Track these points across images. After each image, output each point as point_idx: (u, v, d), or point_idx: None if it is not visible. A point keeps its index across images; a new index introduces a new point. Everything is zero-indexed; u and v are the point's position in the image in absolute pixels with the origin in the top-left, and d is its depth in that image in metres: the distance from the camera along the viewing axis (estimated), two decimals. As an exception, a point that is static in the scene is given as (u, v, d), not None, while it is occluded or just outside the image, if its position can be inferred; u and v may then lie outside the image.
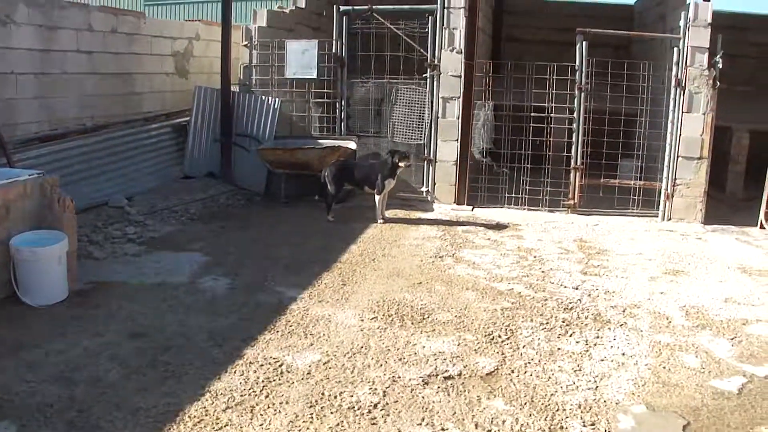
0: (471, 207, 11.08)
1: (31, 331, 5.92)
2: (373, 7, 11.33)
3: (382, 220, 10.00)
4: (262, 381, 5.07)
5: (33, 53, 10.40)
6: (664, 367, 5.49)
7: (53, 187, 7.07)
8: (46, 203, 7.01)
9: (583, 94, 10.75)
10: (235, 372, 5.21)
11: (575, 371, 5.34)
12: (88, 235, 8.75)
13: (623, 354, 5.70)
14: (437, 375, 5.19)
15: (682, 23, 10.34)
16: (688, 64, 10.29)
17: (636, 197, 10.83)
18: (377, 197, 10.01)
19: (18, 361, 5.33)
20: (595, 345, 5.86)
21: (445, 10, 10.97)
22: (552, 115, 11.02)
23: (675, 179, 10.58)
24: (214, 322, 6.20)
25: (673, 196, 10.63)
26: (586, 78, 10.74)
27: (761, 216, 10.40)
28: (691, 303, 7.04)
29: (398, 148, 10.57)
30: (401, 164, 9.97)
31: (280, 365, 5.33)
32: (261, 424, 4.51)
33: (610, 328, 6.25)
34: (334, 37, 11.70)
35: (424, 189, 11.38)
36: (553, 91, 10.79)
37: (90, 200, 10.10)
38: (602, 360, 5.57)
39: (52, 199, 7.00)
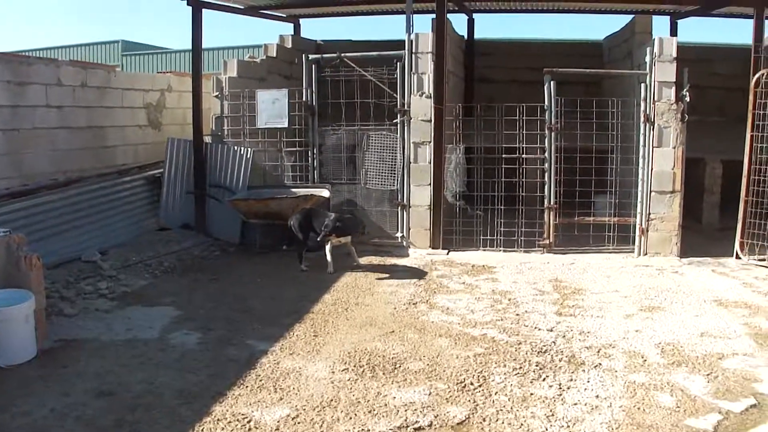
0: (446, 251, 11.00)
1: (-3, 393, 5.83)
2: (342, 54, 11.38)
3: (331, 270, 9.82)
4: (230, 439, 4.98)
5: (2, 109, 10.38)
6: (639, 408, 5.41)
7: (20, 246, 7.01)
8: (13, 261, 6.94)
9: (553, 134, 10.76)
10: (202, 430, 5.12)
11: (548, 417, 5.25)
12: (60, 291, 8.67)
13: (597, 396, 5.62)
14: (407, 426, 5.10)
15: (648, 59, 10.44)
16: (655, 99, 10.37)
17: (611, 234, 10.81)
18: (326, 247, 9.93)
19: (-18, 425, 5.23)
20: (568, 388, 5.78)
21: (413, 56, 11.01)
22: (524, 155, 11.02)
23: (649, 214, 10.60)
24: (184, 378, 6.11)
25: (648, 231, 10.64)
26: (556, 117, 10.75)
27: (736, 245, 10.41)
28: (666, 339, 6.98)
29: (343, 220, 9.97)
30: (333, 241, 9.85)
31: (249, 421, 5.23)
32: (227, 486, 4.42)
33: (584, 370, 6.18)
34: (304, 86, 11.72)
35: (399, 234, 11.31)
36: (524, 132, 10.79)
37: (62, 255, 10.03)
38: (575, 404, 5.48)
39: (19, 257, 6.93)
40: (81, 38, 51.54)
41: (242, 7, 13.54)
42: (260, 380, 6.03)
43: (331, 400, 5.60)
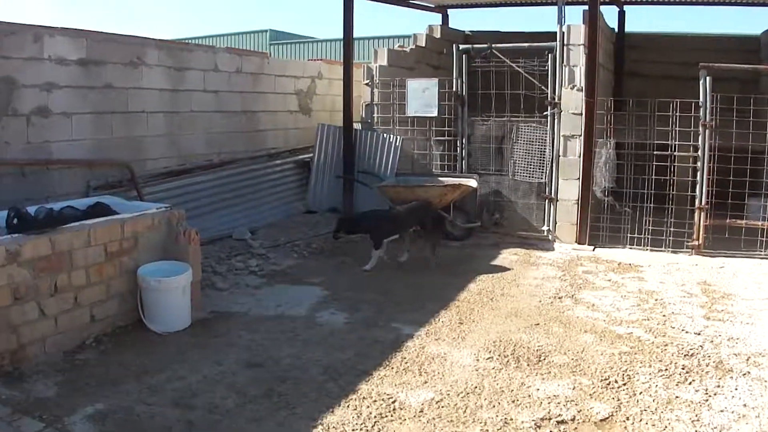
0: (592, 247, 10.83)
1: (154, 357, 6.26)
2: (493, 45, 11.38)
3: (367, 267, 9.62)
4: (375, 416, 5.15)
5: (163, 93, 10.91)
6: (790, 421, 5.25)
7: (179, 221, 7.44)
8: (173, 235, 7.39)
9: (707, 132, 10.39)
10: (348, 406, 5.31)
11: (693, 421, 5.16)
12: (213, 266, 9.15)
13: (745, 405, 5.46)
14: (550, 419, 5.14)
15: (811, 54, 9.91)
16: (818, 97, 9.83)
17: (764, 239, 10.37)
18: None
19: (141, 384, 5.65)
20: (715, 394, 5.65)
21: (565, 48, 10.89)
22: (676, 153, 10.72)
23: (806, 219, 10.09)
24: (330, 356, 6.35)
25: (804, 238, 10.14)
26: (711, 114, 10.38)
27: None
28: (822, 352, 6.70)
29: (354, 218, 10.39)
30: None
31: (393, 401, 5.39)
32: (372, 461, 4.57)
33: (732, 377, 6.02)
34: (454, 76, 11.78)
35: (545, 228, 11.23)
36: (677, 129, 10.50)
37: (215, 232, 10.54)
38: (722, 411, 5.36)
39: (178, 231, 7.37)
40: (232, 27, 53.16)
41: (391, -4, 13.73)
42: (405, 363, 6.19)
43: (475, 387, 5.69)
